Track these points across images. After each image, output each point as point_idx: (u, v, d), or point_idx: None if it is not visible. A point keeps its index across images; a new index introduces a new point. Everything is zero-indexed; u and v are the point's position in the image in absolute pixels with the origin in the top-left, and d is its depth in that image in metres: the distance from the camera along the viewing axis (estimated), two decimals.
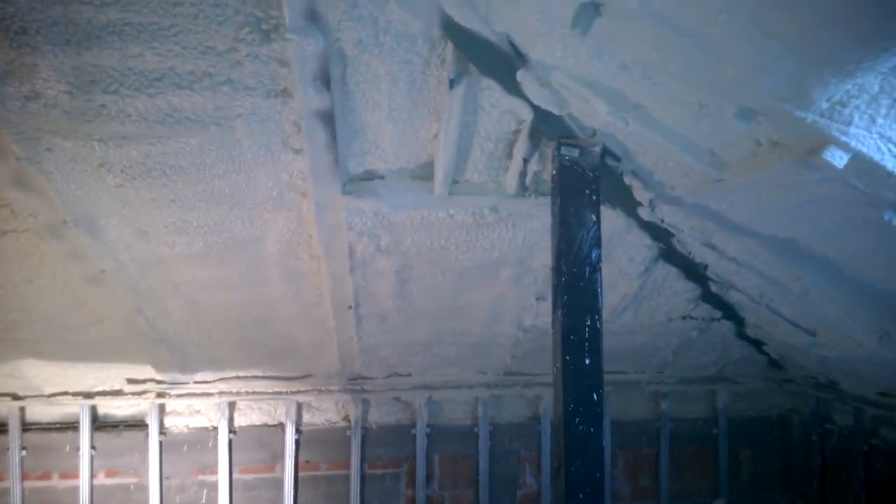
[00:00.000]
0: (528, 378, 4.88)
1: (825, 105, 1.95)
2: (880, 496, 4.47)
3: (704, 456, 5.21)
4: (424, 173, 3.22)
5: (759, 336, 4.51)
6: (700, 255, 3.61)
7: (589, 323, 2.97)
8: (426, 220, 3.40)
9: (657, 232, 3.51)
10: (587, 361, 2.98)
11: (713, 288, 4.01)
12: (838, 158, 2.06)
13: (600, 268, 2.97)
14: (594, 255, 2.97)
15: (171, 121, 2.80)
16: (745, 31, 1.83)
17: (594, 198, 2.96)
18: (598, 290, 2.98)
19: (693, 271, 3.87)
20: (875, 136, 2.01)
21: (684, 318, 4.36)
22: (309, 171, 3.05)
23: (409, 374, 4.82)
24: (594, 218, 2.97)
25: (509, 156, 3.13)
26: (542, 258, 3.73)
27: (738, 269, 3.51)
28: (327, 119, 2.80)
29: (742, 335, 4.58)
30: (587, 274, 2.97)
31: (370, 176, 3.24)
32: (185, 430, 4.74)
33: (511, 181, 3.21)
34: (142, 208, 3.23)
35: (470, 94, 2.77)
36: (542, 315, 4.18)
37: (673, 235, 3.51)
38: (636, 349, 4.66)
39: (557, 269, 2.99)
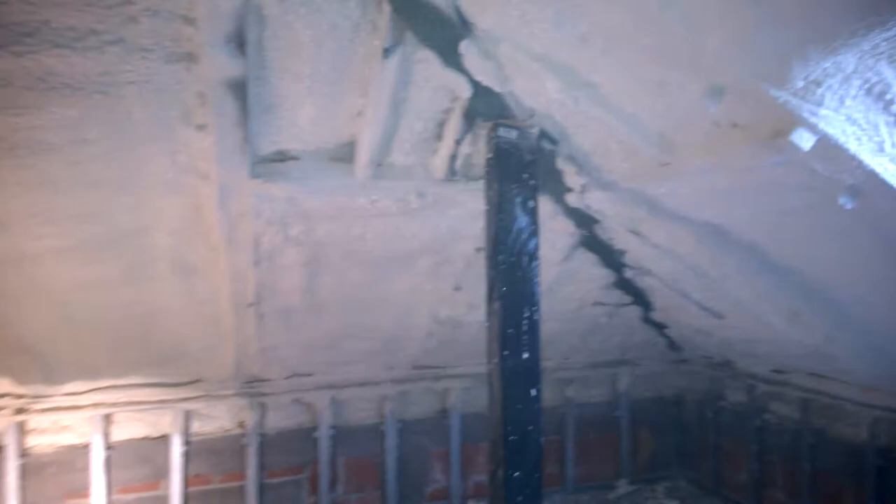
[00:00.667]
0: (438, 371, 4.70)
1: (801, 83, 1.89)
2: (772, 468, 4.71)
3: (607, 439, 5.28)
4: (345, 154, 2.91)
5: (664, 320, 4.59)
6: (622, 241, 3.57)
7: (527, 315, 2.82)
8: (344, 206, 3.09)
9: (582, 219, 3.43)
10: (525, 356, 2.83)
11: (627, 274, 4.01)
12: (806, 140, 2.01)
13: (539, 257, 2.83)
14: (532, 243, 2.81)
15: (44, 86, 2.31)
16: (731, 0, 1.71)
17: (532, 182, 2.80)
18: (537, 280, 2.83)
19: (610, 258, 3.85)
20: (842, 117, 1.97)
21: (595, 304, 4.34)
22: (213, 151, 2.66)
23: (312, 374, 4.47)
24: (532, 204, 2.81)
25: (439, 137, 2.90)
26: (464, 247, 3.54)
27: (658, 255, 3.51)
28: (239, 89, 2.43)
29: (647, 319, 4.65)
30: (525, 263, 2.81)
31: (283, 157, 2.89)
32: (52, 449, 4.12)
33: (440, 164, 2.99)
34: (1, 193, 2.68)
35: (404, 66, 2.51)
36: (458, 306, 4.00)
37: (597, 222, 3.44)
38: (546, 337, 4.58)
39: (493, 259, 2.80)
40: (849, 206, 2.21)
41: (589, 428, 5.23)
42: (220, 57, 2.27)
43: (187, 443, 4.34)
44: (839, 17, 1.68)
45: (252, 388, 4.41)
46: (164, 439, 4.33)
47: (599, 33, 2.08)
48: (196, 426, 4.40)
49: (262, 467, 4.49)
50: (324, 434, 4.60)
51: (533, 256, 2.81)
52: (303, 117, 2.70)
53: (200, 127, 2.58)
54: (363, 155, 2.85)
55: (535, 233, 2.79)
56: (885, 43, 1.76)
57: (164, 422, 4.34)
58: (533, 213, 2.79)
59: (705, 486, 5.27)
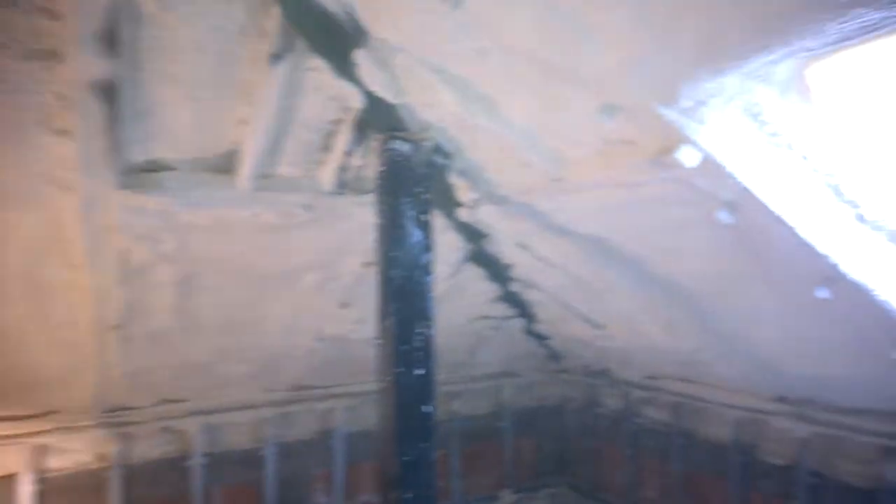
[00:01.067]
0: (322, 391, 4.53)
1: (688, 103, 1.97)
2: (646, 470, 4.93)
3: (492, 451, 5.32)
4: (226, 165, 2.73)
5: (547, 331, 4.70)
6: (510, 255, 3.61)
7: (421, 331, 2.76)
8: (224, 220, 2.90)
9: (471, 233, 3.43)
10: (419, 372, 2.77)
11: (514, 287, 4.06)
12: (690, 158, 2.10)
13: (432, 271, 2.78)
14: (426, 258, 2.76)
15: None
16: (632, 22, 1.75)
17: (426, 196, 2.76)
18: (431, 295, 2.78)
19: (498, 272, 3.88)
20: (723, 136, 2.08)
21: (482, 317, 4.37)
22: (76, 159, 2.40)
23: (184, 400, 4.16)
24: (426, 218, 2.76)
25: (329, 148, 2.79)
26: (352, 262, 3.44)
27: (545, 269, 3.57)
28: (108, 93, 2.22)
29: (530, 331, 4.74)
30: (419, 278, 2.75)
31: (157, 166, 2.66)
32: None
33: (328, 176, 2.88)
34: None
35: (293, 73, 2.39)
36: (345, 323, 3.87)
37: (486, 237, 3.45)
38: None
39: (386, 275, 2.72)
40: (726, 220, 2.33)
41: (474, 440, 5.24)
42: (87, 56, 2.05)
43: (40, 481, 3.90)
44: (726, 42, 1.76)
45: (115, 417, 4.03)
46: (10, 479, 3.86)
47: (498, 48, 2.08)
48: (51, 462, 3.96)
49: (129, 502, 4.11)
50: (197, 463, 4.29)
51: (426, 271, 2.76)
52: (180, 124, 2.51)
53: (61, 132, 2.32)
54: (246, 166, 2.69)
55: (428, 247, 2.75)
56: (763, 67, 1.88)
57: (11, 459, 3.87)
58: (426, 228, 2.74)
59: (585, 490, 5.43)
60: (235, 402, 4.35)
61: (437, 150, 2.76)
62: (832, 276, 2.44)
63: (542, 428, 5.55)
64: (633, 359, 4.42)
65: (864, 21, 1.57)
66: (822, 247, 2.31)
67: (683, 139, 2.07)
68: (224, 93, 2.43)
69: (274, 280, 3.39)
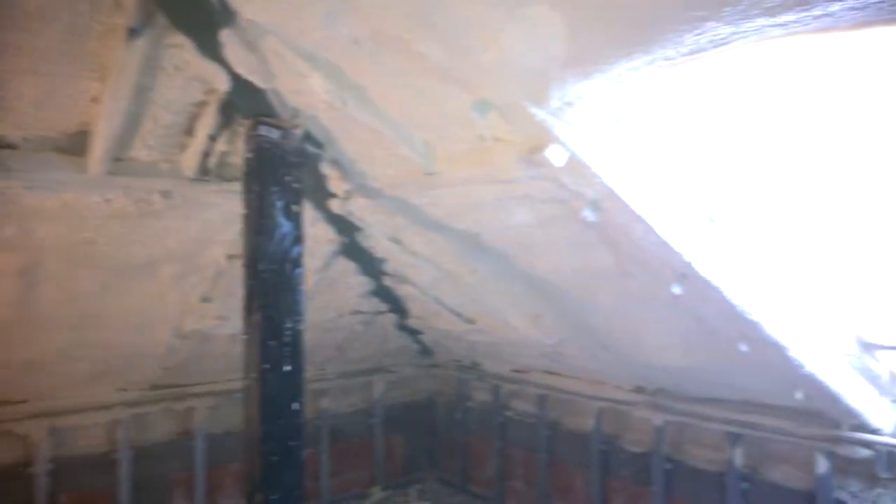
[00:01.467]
0: (181, 390, 4.28)
1: (557, 104, 2.02)
2: (513, 461, 5.07)
3: (363, 447, 5.26)
4: (75, 145, 2.51)
5: (418, 326, 4.70)
6: (382, 249, 3.57)
7: (290, 326, 2.67)
8: (72, 205, 2.66)
9: (343, 226, 3.36)
10: (287, 368, 2.67)
11: (386, 282, 4.03)
12: (558, 157, 2.15)
13: (302, 264, 2.69)
14: (296, 250, 2.67)
15: None
16: (505, 22, 1.76)
17: (296, 186, 2.66)
18: (301, 289, 2.69)
19: (370, 266, 3.83)
20: (589, 137, 2.15)
21: (353, 312, 4.30)
22: None
23: (25, 401, 3.80)
24: (297, 209, 2.66)
25: (191, 131, 2.63)
26: (215, 253, 3.27)
27: (417, 263, 3.57)
28: None
29: (402, 326, 4.73)
30: (288, 272, 2.65)
31: None
32: None
33: (190, 162, 2.71)
34: None
35: (152, 50, 2.22)
36: (206, 318, 3.67)
37: (359, 230, 3.39)
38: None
39: (253, 267, 2.60)
40: (591, 218, 2.42)
41: (344, 438, 5.16)
42: None
43: None
44: (592, 48, 1.81)
45: None
46: None
47: (372, 37, 2.03)
48: None
49: None
50: (41, 470, 3.93)
51: (296, 264, 2.66)
52: (24, 100, 2.27)
53: None
54: (98, 147, 2.48)
55: (298, 239, 2.65)
56: (627, 72, 1.95)
57: None
58: (297, 219, 2.65)
59: (455, 484, 5.50)
60: (84, 402, 4.03)
61: (309, 138, 2.67)
62: (685, 274, 2.59)
63: (413, 423, 5.56)
64: (502, 352, 4.52)
65: (716, 34, 1.67)
66: (677, 245, 2.44)
67: (552, 138, 2.12)
68: (74, 67, 2.23)
69: (128, 271, 3.16)
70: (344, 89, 2.30)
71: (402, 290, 4.10)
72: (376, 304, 4.31)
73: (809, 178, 2.39)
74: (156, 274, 3.28)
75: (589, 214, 2.42)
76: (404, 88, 2.24)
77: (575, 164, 2.20)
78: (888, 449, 3.11)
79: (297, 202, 2.65)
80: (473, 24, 1.80)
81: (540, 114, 2.04)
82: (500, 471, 5.11)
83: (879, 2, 1.42)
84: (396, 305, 4.36)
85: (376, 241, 3.47)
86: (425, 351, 5.22)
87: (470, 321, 4.13)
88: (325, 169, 2.86)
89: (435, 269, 3.57)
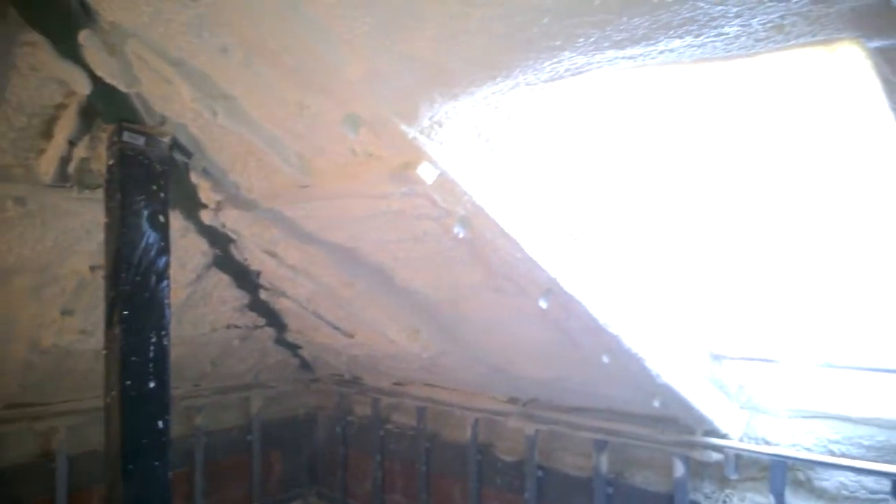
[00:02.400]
0: (41, 409, 3.98)
1: (426, 123, 2.07)
2: (393, 474, 5.07)
3: (240, 465, 5.09)
4: None
5: (297, 340, 4.63)
6: (258, 262, 3.50)
7: (154, 341, 2.57)
8: None
9: (216, 237, 3.27)
10: (151, 385, 2.57)
11: (263, 295, 3.95)
12: (429, 174, 2.20)
13: (169, 276, 2.60)
14: (162, 261, 2.57)
15: None
16: (374, 39, 1.79)
17: (163, 195, 2.57)
18: (166, 302, 2.59)
19: (245, 279, 3.74)
20: (459, 156, 2.22)
21: (228, 326, 4.17)
22: None
23: None
24: (163, 219, 2.57)
25: (48, 135, 2.48)
26: (76, 264, 3.08)
27: (294, 277, 3.52)
28: None
29: (281, 341, 4.63)
30: (153, 284, 2.55)
31: None
32: None
33: (48, 167, 2.56)
34: None
35: (4, 47, 2.08)
36: (67, 332, 3.45)
37: (233, 241, 3.31)
38: (174, 363, 4.26)
39: (115, 279, 2.49)
40: (461, 234, 2.49)
41: (220, 455, 4.98)
42: None
43: None
44: (458, 70, 1.88)
45: None
46: None
47: (241, 46, 2.01)
48: None
49: None
50: None
51: (162, 276, 2.57)
52: None
53: None
54: None
55: (165, 250, 2.56)
56: (492, 95, 2.04)
57: None
58: (163, 229, 2.56)
59: (335, 499, 5.43)
60: None
61: (177, 146, 2.59)
62: (551, 289, 2.71)
63: (292, 439, 5.45)
64: (382, 366, 4.53)
65: (572, 62, 1.78)
66: (542, 262, 2.55)
67: (423, 156, 2.17)
68: None
69: None
70: (213, 98, 2.25)
71: (280, 304, 4.03)
72: (253, 318, 4.21)
73: (665, 199, 2.57)
74: (9, 285, 3.05)
75: (459, 231, 2.49)
76: (276, 99, 2.22)
77: (445, 182, 2.25)
78: (736, 452, 3.37)
79: (164, 212, 2.57)
80: (342, 38, 1.82)
81: (410, 132, 2.08)
82: (379, 484, 5.10)
83: (714, 40, 1.56)
84: (274, 319, 4.28)
85: (251, 253, 3.40)
86: (305, 365, 5.14)
87: (349, 335, 4.12)
88: (196, 178, 2.78)
89: (312, 283, 3.53)
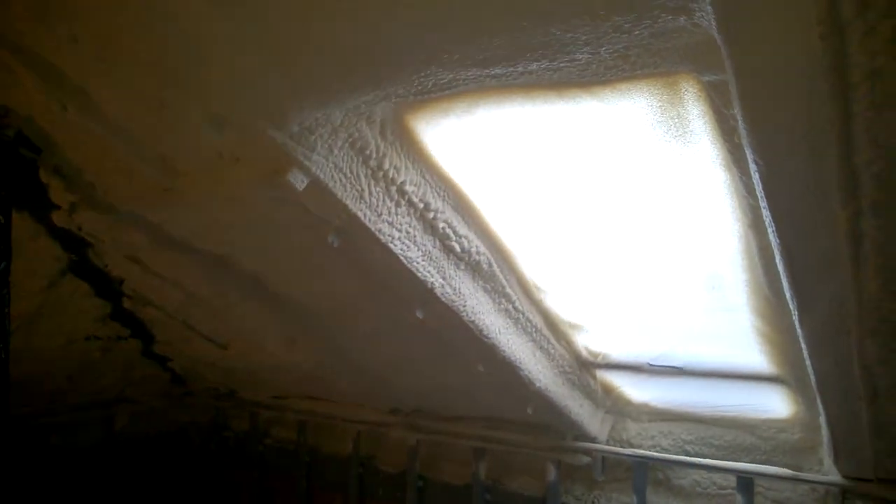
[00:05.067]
0: None
1: (296, 128, 2.01)
2: (273, 491, 4.90)
3: (98, 486, 4.73)
4: None
5: (167, 353, 4.39)
6: (120, 268, 3.29)
7: None
8: None
9: (71, 241, 3.04)
10: None
11: (126, 304, 3.71)
12: (300, 181, 2.14)
13: (9, 283, 2.38)
14: (1, 266, 2.36)
15: None
16: (240, 40, 1.72)
17: (3, 194, 2.35)
18: (7, 311, 2.38)
19: (106, 287, 3.50)
20: (331, 165, 2.17)
21: (88, 338, 3.89)
22: None
23: None
24: (3, 220, 2.36)
25: None
26: None
27: (161, 285, 3.33)
28: None
29: (148, 353, 4.37)
30: None
31: None
32: None
33: None
34: None
35: None
36: None
37: (90, 246, 3.09)
38: (22, 380, 3.91)
39: None
40: (335, 244, 2.44)
41: (79, 477, 4.62)
42: None
43: None
44: (327, 78, 1.83)
45: None
46: None
47: (93, 38, 1.87)
48: None
49: None
50: None
51: (2, 283, 2.35)
52: None
53: None
54: None
55: (5, 254, 2.35)
56: (364, 105, 2.01)
57: None
58: (4, 231, 2.34)
59: None
60: None
61: (23, 141, 2.38)
62: (428, 299, 2.71)
63: (162, 457, 5.14)
64: (260, 378, 4.38)
65: (439, 78, 1.78)
66: (418, 272, 2.55)
67: (293, 162, 2.10)
68: None
69: None
70: (63, 92, 2.08)
71: (146, 314, 3.80)
72: (116, 329, 3.94)
73: (539, 212, 2.62)
74: None
75: (333, 240, 2.43)
76: (134, 97, 2.08)
77: (317, 190, 2.19)
78: (603, 455, 3.51)
79: (6, 213, 2.35)
80: (203, 37, 1.74)
81: (279, 136, 2.01)
82: (259, 501, 4.91)
83: (568, 65, 1.61)
84: (140, 330, 4.03)
85: (112, 259, 3.19)
86: (176, 379, 4.88)
87: (223, 346, 3.95)
88: (46, 177, 2.57)
89: (181, 292, 3.36)
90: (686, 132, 1.89)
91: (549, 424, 3.54)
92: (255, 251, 2.84)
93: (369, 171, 2.26)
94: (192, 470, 5.23)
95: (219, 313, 3.50)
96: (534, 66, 1.61)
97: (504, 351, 2.97)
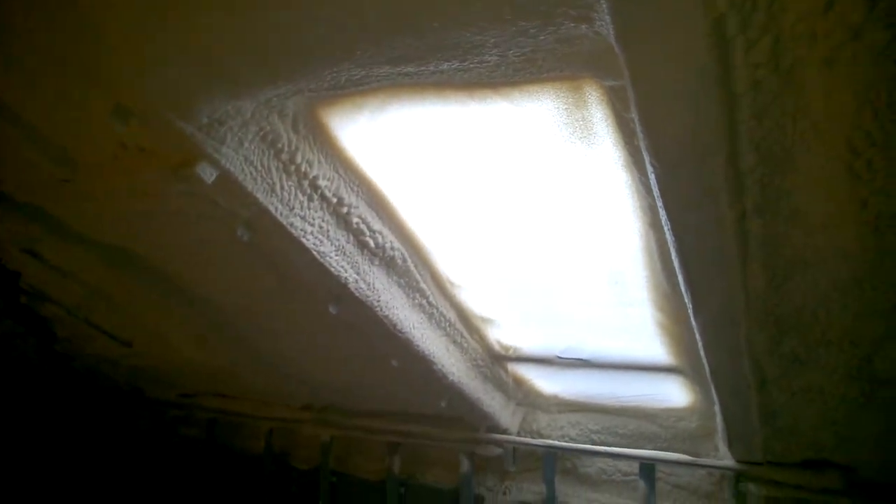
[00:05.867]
0: None
1: (205, 120, 1.97)
2: (183, 489, 4.75)
3: None
4: None
5: (69, 351, 4.19)
6: (15, 262, 3.12)
7: None
8: None
9: None
10: None
11: (23, 300, 3.52)
12: (208, 174, 2.09)
13: None
14: None
15: None
16: (144, 27, 1.67)
17: None
18: None
19: (1, 281, 3.31)
20: (241, 158, 2.13)
21: None
22: None
23: None
24: None
25: None
26: None
27: (61, 280, 3.18)
28: None
29: (47, 351, 4.16)
30: None
31: None
32: None
33: None
34: None
35: None
36: None
37: None
38: None
39: None
40: (245, 238, 2.40)
41: None
42: None
43: None
44: (238, 69, 1.81)
45: None
46: None
47: None
48: None
49: None
50: None
51: None
52: None
53: None
54: None
55: None
56: (276, 98, 1.99)
57: None
58: None
59: None
60: None
61: None
62: (340, 295, 2.71)
63: (62, 458, 4.89)
64: (166, 376, 4.24)
65: (351, 74, 1.79)
66: (332, 267, 2.54)
67: (202, 155, 2.05)
68: None
69: None
70: None
71: (45, 310, 3.62)
72: (10, 326, 3.74)
73: (452, 208, 2.66)
74: None
75: (243, 234, 2.40)
76: (34, 85, 1.98)
77: (227, 183, 2.15)
78: (514, 446, 3.61)
79: None
80: (107, 24, 1.68)
81: (187, 128, 1.96)
82: (168, 501, 4.77)
83: (478, 66, 1.66)
84: (38, 327, 3.83)
85: (6, 252, 3.02)
86: (78, 379, 4.66)
87: (126, 344, 3.80)
88: None
89: (82, 287, 3.21)
90: (590, 134, 1.97)
91: (463, 417, 3.60)
92: (162, 245, 2.76)
93: (281, 165, 2.24)
94: (98, 471, 5.00)
95: (123, 309, 3.37)
96: (445, 65, 1.64)
97: (418, 345, 3.01)
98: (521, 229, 2.60)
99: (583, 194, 2.28)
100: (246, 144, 2.12)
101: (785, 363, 2.22)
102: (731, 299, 2.00)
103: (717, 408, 2.86)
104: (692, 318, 2.19)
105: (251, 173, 2.18)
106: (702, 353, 2.41)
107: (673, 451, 3.24)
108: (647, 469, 3.24)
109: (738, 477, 3.07)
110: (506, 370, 3.49)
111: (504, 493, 3.71)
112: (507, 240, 2.69)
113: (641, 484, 3.25)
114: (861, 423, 2.48)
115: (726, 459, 3.10)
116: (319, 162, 2.32)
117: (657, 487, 3.28)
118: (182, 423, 4.81)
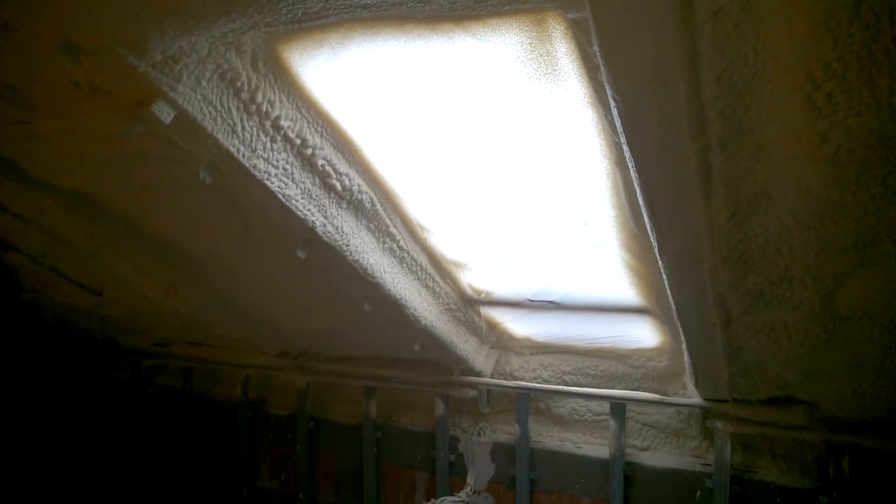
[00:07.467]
0: None
1: (159, 57, 1.90)
2: (158, 440, 4.78)
3: None
4: None
5: (36, 300, 4.14)
6: None
7: None
8: None
9: None
10: None
11: None
12: (166, 114, 2.03)
13: None
14: None
15: None
16: None
17: None
18: None
19: None
20: (199, 97, 2.07)
21: None
22: None
23: None
24: None
25: None
26: None
27: (23, 228, 3.12)
28: None
29: (15, 301, 4.11)
30: None
31: None
32: None
33: None
34: None
35: None
36: None
37: None
38: None
39: None
40: (208, 180, 2.35)
41: None
42: None
43: None
44: (190, 2, 1.73)
45: None
46: None
47: None
48: None
49: None
50: None
51: None
52: None
53: None
54: None
55: None
56: (231, 33, 1.92)
57: None
58: None
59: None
60: None
61: None
62: (309, 239, 2.68)
63: (31, 412, 4.87)
64: (139, 325, 4.22)
65: (308, 6, 1.73)
66: (299, 211, 2.50)
67: (157, 93, 1.99)
68: None
69: None
70: None
71: (9, 259, 3.55)
72: None
73: (417, 151, 2.62)
74: None
75: (206, 177, 2.34)
76: None
77: (185, 123, 2.09)
78: (488, 388, 3.65)
79: None
80: None
81: (141, 65, 1.89)
82: (141, 452, 4.80)
83: None
84: (5, 278, 3.77)
85: None
86: (50, 329, 4.62)
87: (96, 293, 3.76)
88: None
89: (45, 235, 3.15)
90: (555, 70, 1.93)
91: (437, 361, 3.63)
92: (123, 190, 2.70)
93: (241, 105, 2.18)
94: (72, 421, 5.00)
95: (89, 258, 3.32)
96: None
97: (389, 290, 3.00)
98: (490, 171, 2.57)
99: (550, 134, 2.25)
100: (203, 83, 2.06)
101: (749, 300, 2.24)
102: (695, 235, 2.00)
103: (684, 347, 2.90)
104: (658, 257, 2.19)
105: (210, 113, 2.13)
106: (668, 291, 2.42)
107: (643, 391, 3.29)
108: (618, 408, 3.30)
109: (706, 414, 3.14)
110: (478, 314, 3.50)
111: (479, 434, 3.77)
112: (477, 182, 2.66)
113: (612, 423, 3.31)
114: (824, 360, 2.52)
115: (694, 398, 3.16)
116: (281, 101, 2.26)
117: (627, 426, 3.35)
118: (158, 373, 4.80)
